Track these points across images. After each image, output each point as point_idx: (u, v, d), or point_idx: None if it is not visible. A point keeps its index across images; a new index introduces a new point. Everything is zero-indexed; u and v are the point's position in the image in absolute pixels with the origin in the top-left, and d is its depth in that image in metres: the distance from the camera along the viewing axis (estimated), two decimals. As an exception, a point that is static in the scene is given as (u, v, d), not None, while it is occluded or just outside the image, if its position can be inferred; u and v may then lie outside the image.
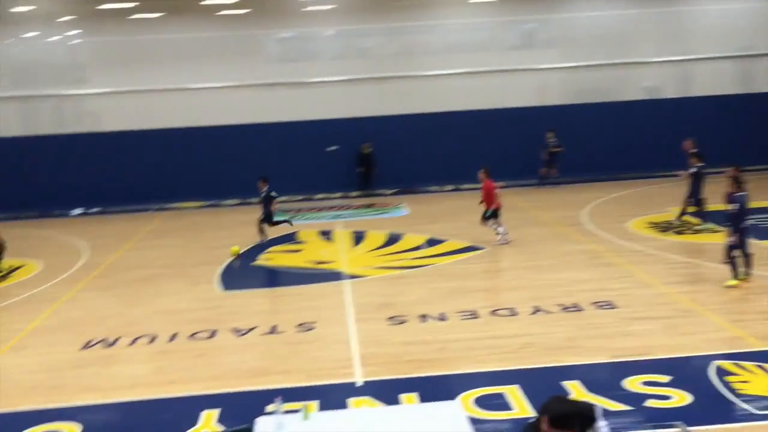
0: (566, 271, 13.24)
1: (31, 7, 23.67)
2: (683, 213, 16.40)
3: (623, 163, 24.27)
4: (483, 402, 7.91)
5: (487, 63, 24.82)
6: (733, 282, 11.58)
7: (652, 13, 25.20)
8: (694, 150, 16.53)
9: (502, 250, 15.06)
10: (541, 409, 4.97)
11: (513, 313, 10.99)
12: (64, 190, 23.65)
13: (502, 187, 16.37)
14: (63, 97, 24.89)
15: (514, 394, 8.07)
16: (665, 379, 8.26)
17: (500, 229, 15.55)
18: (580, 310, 10.91)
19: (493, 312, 11.06)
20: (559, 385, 8.18)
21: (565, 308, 11.05)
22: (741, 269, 11.68)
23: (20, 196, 23.36)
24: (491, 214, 15.55)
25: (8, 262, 16.17)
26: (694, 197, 15.99)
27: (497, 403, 7.89)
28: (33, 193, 23.58)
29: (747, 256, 11.72)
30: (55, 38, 24.76)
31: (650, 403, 7.70)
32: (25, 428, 7.86)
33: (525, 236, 16.18)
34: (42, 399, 8.70)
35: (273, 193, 17.02)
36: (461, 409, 6.29)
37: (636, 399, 7.80)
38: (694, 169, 16.05)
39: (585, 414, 5.23)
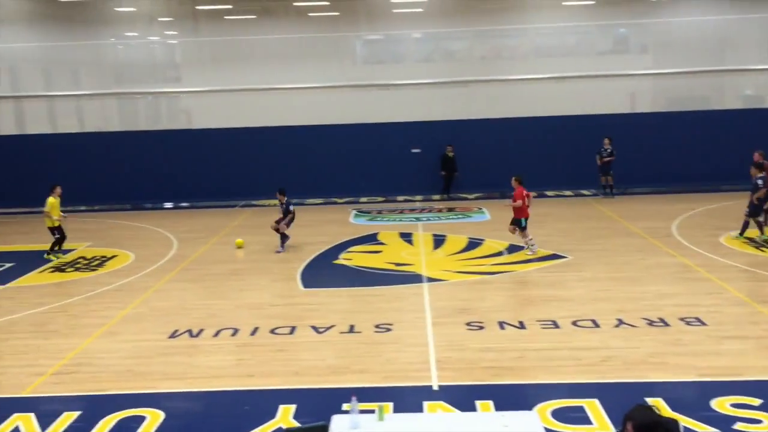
0: (653, 284, 12.81)
1: (132, 9, 24.78)
2: (762, 227, 15.73)
3: (719, 175, 23.22)
4: (561, 414, 7.75)
5: (576, 68, 24.29)
6: None
7: (753, 19, 24.06)
8: (758, 161, 15.98)
9: (587, 260, 14.70)
10: (626, 417, 4.85)
11: (595, 324, 10.72)
12: (156, 184, 24.59)
13: (533, 196, 15.80)
14: (159, 94, 25.93)
15: (593, 408, 7.87)
16: (756, 402, 7.89)
17: (531, 241, 15.37)
18: (666, 326, 10.53)
19: (575, 322, 10.82)
20: (641, 402, 7.90)
21: (651, 323, 10.69)
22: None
23: (116, 188, 24.41)
24: (525, 225, 15.25)
25: (100, 251, 16.96)
26: (751, 208, 15.52)
27: (575, 416, 7.71)
28: (127, 187, 24.60)
29: None
30: (153, 38, 25.84)
31: (739, 426, 7.38)
32: (113, 412, 8.19)
33: (612, 247, 15.76)
34: (129, 384, 9.06)
35: (291, 207, 16.59)
36: (538, 419, 6.18)
37: (724, 421, 7.48)
38: (759, 180, 15.33)
39: (669, 428, 5.06)
